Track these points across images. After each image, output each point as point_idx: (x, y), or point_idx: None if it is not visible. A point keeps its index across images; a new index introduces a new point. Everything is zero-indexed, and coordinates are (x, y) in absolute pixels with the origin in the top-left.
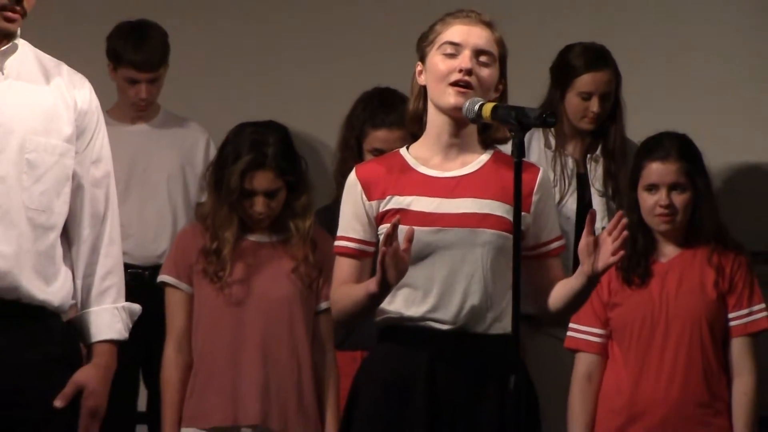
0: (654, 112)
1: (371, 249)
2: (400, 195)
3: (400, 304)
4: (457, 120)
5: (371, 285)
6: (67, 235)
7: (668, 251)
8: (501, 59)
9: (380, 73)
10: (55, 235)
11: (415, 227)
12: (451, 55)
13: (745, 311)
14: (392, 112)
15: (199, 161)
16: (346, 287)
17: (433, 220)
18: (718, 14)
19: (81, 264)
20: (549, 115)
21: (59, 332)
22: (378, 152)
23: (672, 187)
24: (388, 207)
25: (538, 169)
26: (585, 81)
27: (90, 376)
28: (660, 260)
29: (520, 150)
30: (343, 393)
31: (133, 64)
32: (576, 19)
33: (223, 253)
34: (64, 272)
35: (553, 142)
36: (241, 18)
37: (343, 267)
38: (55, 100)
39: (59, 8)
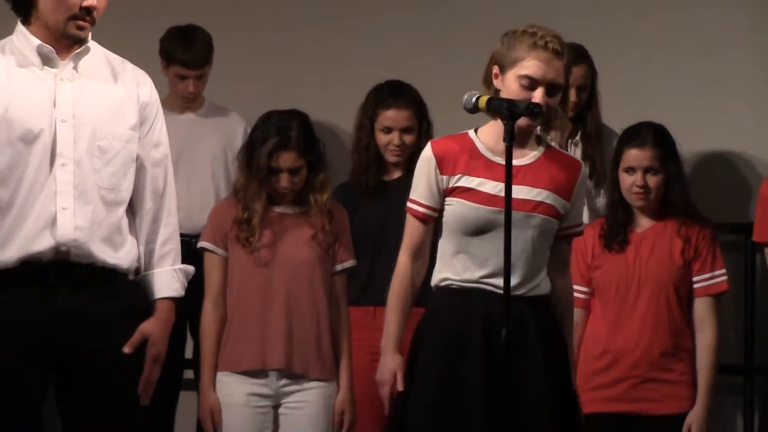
0: (636, 103)
1: (436, 214)
2: (470, 175)
3: (458, 267)
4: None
5: (387, 359)
6: (132, 209)
7: (643, 223)
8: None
9: (389, 69)
10: (122, 210)
11: (481, 205)
12: (528, 88)
13: (707, 275)
14: (400, 96)
15: (238, 145)
16: (398, 303)
17: (496, 202)
18: (694, 15)
19: (144, 233)
20: (535, 106)
21: (128, 290)
22: (387, 129)
23: (647, 170)
24: (459, 184)
25: (581, 165)
26: None
27: (154, 328)
28: (636, 230)
29: (510, 135)
30: (356, 343)
31: (182, 62)
32: (565, 21)
33: (253, 222)
34: (130, 240)
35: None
36: (273, 25)
37: (412, 226)
38: (122, 95)
39: (121, 16)
